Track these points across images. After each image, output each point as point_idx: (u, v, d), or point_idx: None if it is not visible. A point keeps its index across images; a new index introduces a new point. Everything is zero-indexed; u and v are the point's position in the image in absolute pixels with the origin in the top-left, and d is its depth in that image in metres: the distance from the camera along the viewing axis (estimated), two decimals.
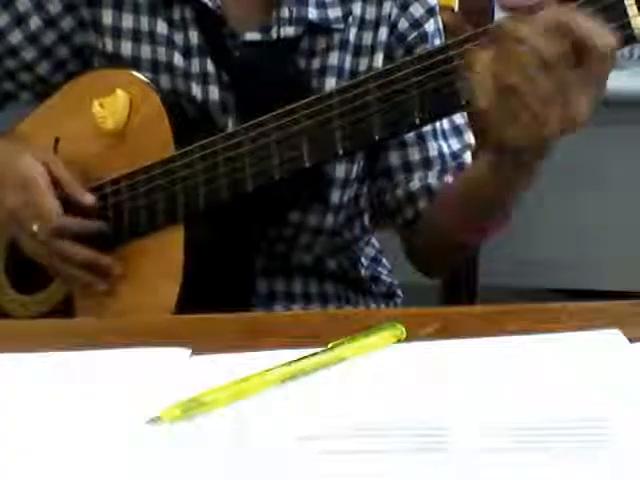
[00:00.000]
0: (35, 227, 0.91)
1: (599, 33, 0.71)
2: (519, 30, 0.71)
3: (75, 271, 0.93)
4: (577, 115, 0.72)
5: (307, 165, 0.83)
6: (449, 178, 0.98)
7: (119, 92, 0.92)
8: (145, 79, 0.93)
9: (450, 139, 1.00)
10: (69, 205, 0.93)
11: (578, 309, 0.71)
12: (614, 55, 0.71)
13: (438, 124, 0.99)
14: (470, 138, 1.00)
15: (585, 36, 0.71)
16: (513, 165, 0.81)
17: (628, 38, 0.72)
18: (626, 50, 1.90)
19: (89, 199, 0.93)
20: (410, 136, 0.99)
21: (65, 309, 0.96)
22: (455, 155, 0.99)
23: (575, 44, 0.71)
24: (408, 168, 0.99)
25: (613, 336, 0.65)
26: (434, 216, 0.97)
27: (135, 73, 0.94)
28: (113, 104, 0.92)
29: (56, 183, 0.93)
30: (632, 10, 0.71)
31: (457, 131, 1.00)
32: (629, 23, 0.72)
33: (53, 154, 0.97)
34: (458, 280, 1.22)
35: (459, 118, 1.00)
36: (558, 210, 1.98)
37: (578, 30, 0.71)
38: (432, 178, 0.98)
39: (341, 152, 0.82)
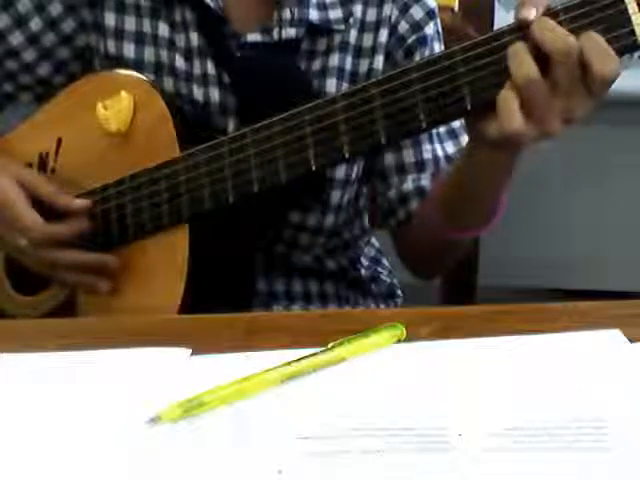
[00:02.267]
0: (23, 242, 0.91)
1: (602, 59, 0.71)
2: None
3: (75, 276, 0.93)
4: (572, 118, 0.73)
5: (314, 168, 0.83)
6: None
7: (123, 94, 0.92)
8: (149, 81, 0.93)
9: (445, 142, 1.00)
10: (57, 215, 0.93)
11: (578, 309, 0.72)
12: (615, 77, 0.72)
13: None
14: (465, 141, 1.00)
15: (588, 60, 0.71)
16: (488, 156, 0.82)
17: (631, 46, 0.72)
18: None
19: (78, 204, 0.93)
20: None
21: (67, 309, 0.96)
22: (449, 158, 0.99)
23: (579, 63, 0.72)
24: (402, 170, 0.99)
25: (613, 336, 0.65)
26: (422, 213, 0.97)
27: (139, 75, 0.94)
28: (117, 105, 0.92)
29: (36, 197, 0.93)
30: (636, 18, 0.72)
31: (453, 134, 1.00)
32: (632, 31, 0.72)
33: (26, 169, 0.97)
34: (458, 280, 1.22)
35: (455, 121, 1.00)
36: (558, 210, 1.98)
37: (582, 53, 0.72)
38: (425, 180, 0.98)
39: (347, 155, 0.82)
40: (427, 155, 0.99)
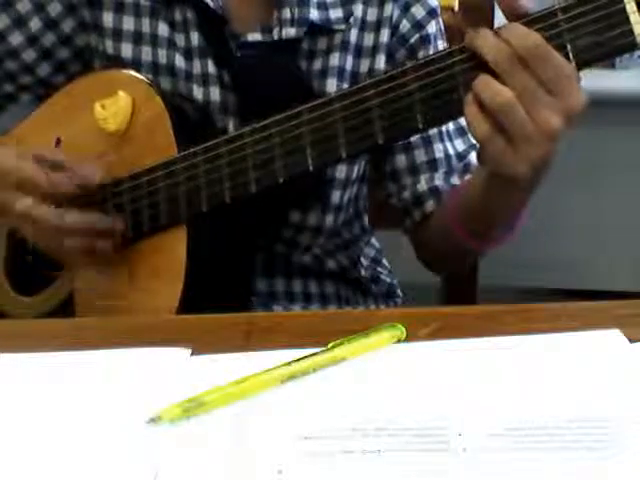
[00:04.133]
0: (29, 201, 0.86)
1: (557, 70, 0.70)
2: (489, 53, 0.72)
3: (78, 241, 0.88)
4: (547, 125, 0.71)
5: (311, 168, 0.83)
6: (455, 179, 0.98)
7: (121, 93, 0.92)
8: (147, 80, 0.93)
9: (455, 140, 1.00)
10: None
11: (578, 309, 0.72)
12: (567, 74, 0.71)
13: (443, 125, 0.99)
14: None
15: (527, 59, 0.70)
16: (503, 187, 0.81)
17: (630, 45, 0.72)
18: None
19: (92, 170, 0.90)
20: (416, 138, 0.99)
21: (66, 309, 0.96)
22: (460, 156, 1.00)
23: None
24: (414, 170, 1.00)
25: (613, 336, 0.65)
26: (439, 217, 0.97)
27: (137, 74, 0.94)
28: (115, 105, 0.92)
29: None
30: (634, 17, 0.71)
31: (462, 131, 1.01)
32: (631, 30, 0.72)
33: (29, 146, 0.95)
34: (458, 280, 1.22)
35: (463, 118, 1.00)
36: (558, 210, 1.98)
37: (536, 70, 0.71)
38: (438, 180, 0.98)
39: (344, 156, 0.82)
40: (439, 154, 0.99)
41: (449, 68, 0.76)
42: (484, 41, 0.72)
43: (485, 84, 0.72)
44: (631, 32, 0.71)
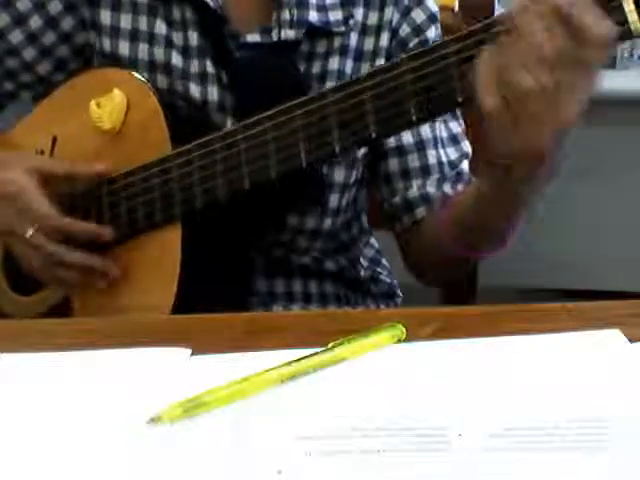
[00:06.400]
0: (30, 232, 0.89)
1: (595, 24, 0.69)
2: (520, 25, 0.71)
3: (72, 275, 0.92)
4: (567, 115, 0.71)
5: (304, 164, 0.83)
6: (447, 187, 0.98)
7: (116, 91, 0.92)
8: (142, 78, 0.93)
9: (447, 147, 1.00)
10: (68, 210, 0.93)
11: (578, 309, 0.72)
12: (607, 48, 0.70)
13: (437, 132, 0.99)
14: (467, 146, 1.00)
15: (582, 28, 0.70)
16: (504, 190, 0.80)
17: (625, 34, 0.72)
18: (627, 51, 1.91)
19: (99, 167, 0.92)
20: (410, 143, 0.98)
21: (63, 309, 0.96)
22: (453, 164, 0.99)
23: (573, 33, 0.70)
24: (406, 175, 0.99)
25: (613, 336, 0.65)
26: (431, 228, 0.97)
27: (132, 72, 0.94)
28: (110, 103, 0.92)
29: (51, 178, 0.92)
30: (628, 6, 0.71)
31: (454, 140, 1.00)
32: (626, 19, 0.71)
33: (32, 154, 0.97)
34: (458, 280, 1.22)
35: (456, 127, 1.00)
36: (558, 210, 1.98)
37: (576, 21, 0.69)
38: (430, 186, 0.98)
39: (338, 150, 0.82)
40: (432, 160, 0.98)
41: (443, 59, 0.76)
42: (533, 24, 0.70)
43: (510, 69, 0.70)
44: (626, 20, 0.71)
